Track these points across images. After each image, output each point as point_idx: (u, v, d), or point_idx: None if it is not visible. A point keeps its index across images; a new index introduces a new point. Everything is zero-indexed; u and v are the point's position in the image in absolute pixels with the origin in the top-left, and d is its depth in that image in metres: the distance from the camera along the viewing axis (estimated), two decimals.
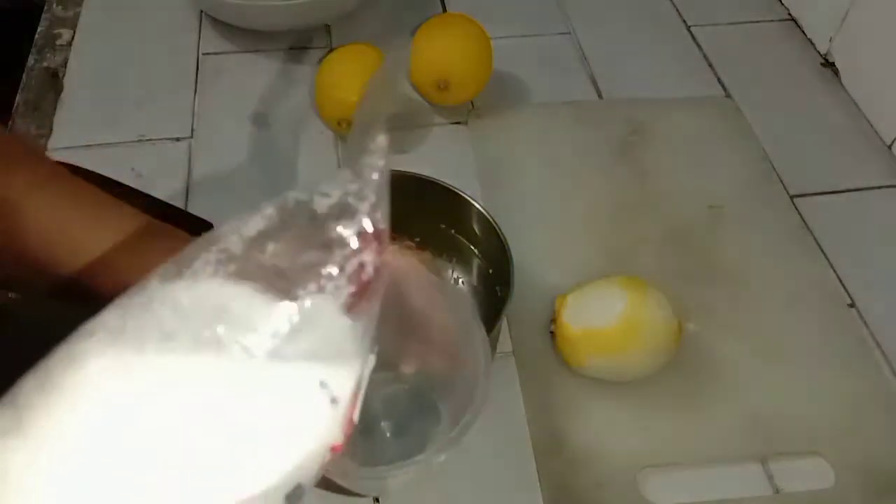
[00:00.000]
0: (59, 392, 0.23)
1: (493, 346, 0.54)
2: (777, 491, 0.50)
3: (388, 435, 0.41)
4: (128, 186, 0.58)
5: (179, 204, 0.64)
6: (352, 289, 0.25)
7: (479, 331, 0.34)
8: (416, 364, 0.37)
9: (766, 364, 0.55)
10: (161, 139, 0.69)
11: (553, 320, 0.54)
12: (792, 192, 0.67)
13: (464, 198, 0.57)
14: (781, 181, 0.67)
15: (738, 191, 0.66)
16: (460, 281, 0.58)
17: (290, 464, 0.23)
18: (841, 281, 0.61)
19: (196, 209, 0.63)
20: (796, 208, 0.65)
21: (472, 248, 0.59)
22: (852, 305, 0.59)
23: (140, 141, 0.69)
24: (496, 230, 0.55)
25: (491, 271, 0.57)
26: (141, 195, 0.58)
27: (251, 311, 0.23)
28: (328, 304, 0.24)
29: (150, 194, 0.58)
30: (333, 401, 0.24)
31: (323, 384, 0.24)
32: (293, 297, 0.23)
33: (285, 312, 0.23)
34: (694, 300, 0.57)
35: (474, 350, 0.34)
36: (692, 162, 0.68)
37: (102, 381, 0.23)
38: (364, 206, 0.25)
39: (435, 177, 0.58)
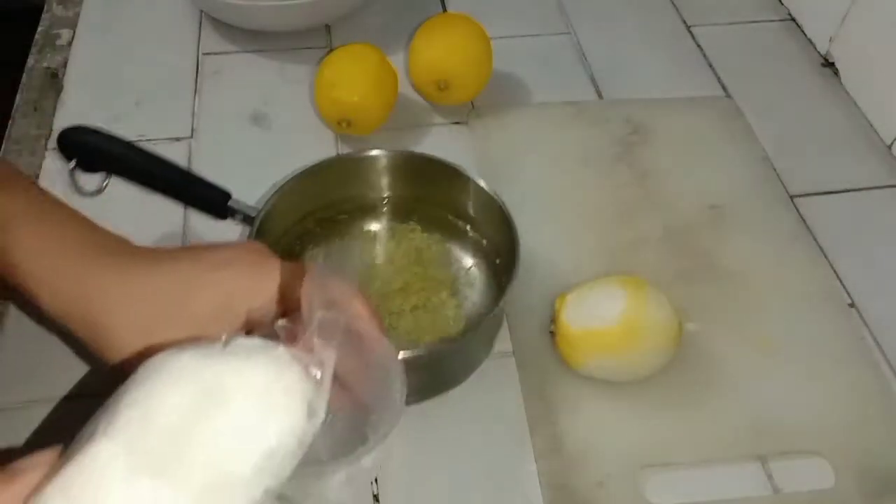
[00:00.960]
0: None
1: (497, 325, 0.55)
2: (777, 491, 0.50)
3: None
4: (150, 154, 0.61)
5: (179, 204, 0.64)
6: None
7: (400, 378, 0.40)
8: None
9: (766, 364, 0.55)
10: (161, 139, 0.69)
11: (553, 320, 0.53)
12: (792, 191, 0.67)
13: (468, 177, 0.58)
14: (781, 181, 0.67)
15: (739, 191, 0.66)
16: (469, 262, 0.59)
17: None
18: (841, 281, 0.61)
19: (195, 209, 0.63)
20: (796, 208, 0.65)
21: (474, 226, 0.60)
22: (852, 305, 0.59)
23: (140, 141, 0.69)
24: (501, 209, 0.56)
25: (498, 260, 0.58)
26: (163, 164, 0.61)
27: None
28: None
29: (173, 163, 0.61)
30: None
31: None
32: None
33: None
34: (694, 300, 0.57)
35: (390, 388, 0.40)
36: (692, 162, 0.68)
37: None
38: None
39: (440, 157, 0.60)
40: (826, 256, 0.62)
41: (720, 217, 0.64)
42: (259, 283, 0.40)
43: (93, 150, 0.64)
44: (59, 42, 0.78)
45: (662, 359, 0.52)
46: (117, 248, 0.42)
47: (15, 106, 0.72)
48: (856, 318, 0.59)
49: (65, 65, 0.76)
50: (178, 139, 0.69)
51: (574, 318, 0.52)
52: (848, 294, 0.60)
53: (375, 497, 0.49)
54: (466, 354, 0.54)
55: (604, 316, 0.51)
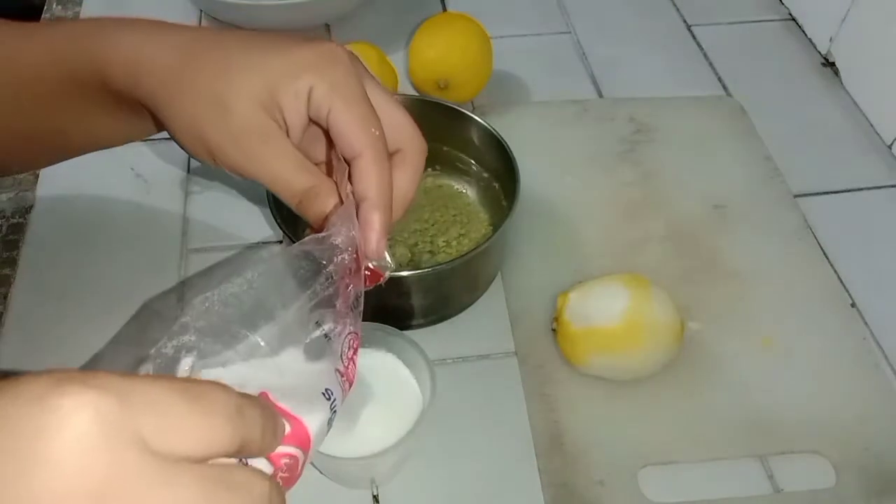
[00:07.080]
0: None
1: (500, 250, 0.57)
2: (777, 490, 0.50)
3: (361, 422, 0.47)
4: None
5: (178, 205, 0.64)
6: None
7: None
8: None
9: (767, 363, 0.55)
10: (161, 139, 0.68)
11: (555, 318, 0.53)
12: (794, 191, 0.66)
13: (470, 116, 0.61)
14: (784, 181, 0.67)
15: (742, 190, 0.66)
16: (474, 195, 0.63)
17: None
18: (842, 281, 0.61)
19: (195, 210, 0.63)
20: (799, 208, 0.65)
21: (477, 160, 0.63)
22: (854, 305, 0.59)
23: (140, 141, 0.69)
24: (503, 145, 0.58)
25: (496, 183, 0.62)
26: None
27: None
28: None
29: None
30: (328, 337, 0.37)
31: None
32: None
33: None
34: (696, 299, 0.57)
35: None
36: (695, 161, 0.68)
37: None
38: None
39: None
40: (827, 256, 0.62)
41: (723, 216, 0.64)
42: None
43: None
44: None
45: (664, 357, 0.52)
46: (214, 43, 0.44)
47: None
48: (857, 318, 0.58)
49: None
50: None
51: (576, 316, 0.52)
52: (849, 294, 0.60)
53: (375, 498, 0.48)
54: (468, 275, 0.57)
55: (606, 314, 0.51)
